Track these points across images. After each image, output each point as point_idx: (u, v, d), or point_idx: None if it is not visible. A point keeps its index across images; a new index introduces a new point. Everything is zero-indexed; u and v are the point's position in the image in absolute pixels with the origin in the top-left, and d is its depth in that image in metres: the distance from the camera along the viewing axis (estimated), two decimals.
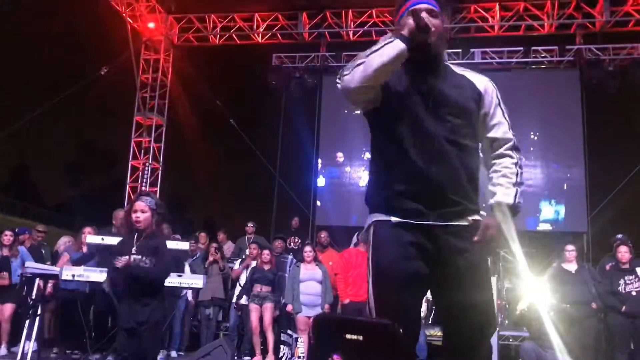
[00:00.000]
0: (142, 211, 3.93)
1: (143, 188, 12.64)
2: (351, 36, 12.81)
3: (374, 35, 12.72)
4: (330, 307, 7.45)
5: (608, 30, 11.82)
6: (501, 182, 2.21)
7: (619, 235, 7.73)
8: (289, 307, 7.35)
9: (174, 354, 7.65)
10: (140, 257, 3.86)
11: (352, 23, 12.64)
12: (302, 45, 12.96)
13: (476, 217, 2.18)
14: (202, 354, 6.16)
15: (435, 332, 7.76)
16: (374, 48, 2.10)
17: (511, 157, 2.24)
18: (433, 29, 2.13)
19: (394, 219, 2.14)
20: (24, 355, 5.98)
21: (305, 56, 13.01)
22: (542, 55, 12.21)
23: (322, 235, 8.92)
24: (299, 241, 9.70)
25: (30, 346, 6.04)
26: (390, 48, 2.07)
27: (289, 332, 7.45)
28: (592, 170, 11.65)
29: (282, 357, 7.38)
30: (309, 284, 7.37)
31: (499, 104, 2.28)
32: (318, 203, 12.53)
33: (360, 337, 2.18)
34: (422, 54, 2.17)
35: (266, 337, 7.44)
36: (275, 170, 13.12)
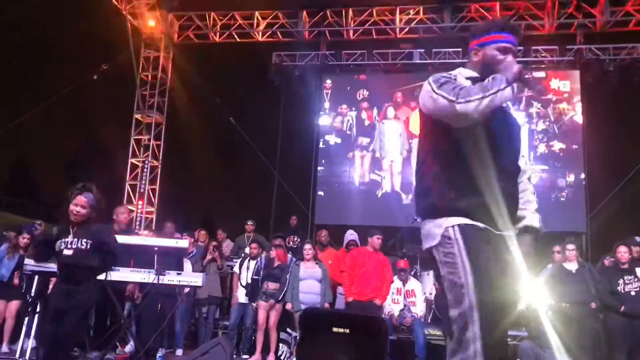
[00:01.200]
0: (82, 206, 4.15)
1: (142, 185, 12.64)
2: (351, 35, 12.80)
3: (374, 34, 12.72)
4: (330, 305, 7.46)
5: (608, 30, 11.83)
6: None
7: (638, 238, 7.71)
8: (289, 306, 7.34)
9: (179, 351, 7.66)
10: (77, 239, 4.08)
11: (352, 22, 12.63)
12: (302, 43, 12.95)
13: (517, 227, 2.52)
14: (200, 352, 6.16)
15: (435, 332, 7.78)
16: (495, 88, 2.21)
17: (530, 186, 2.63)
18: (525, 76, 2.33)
19: (478, 224, 2.31)
20: (23, 352, 5.98)
21: (305, 55, 13.01)
22: (543, 54, 12.21)
23: (322, 235, 8.91)
24: (298, 240, 9.70)
25: (30, 343, 6.04)
26: (505, 94, 2.22)
27: (289, 330, 7.45)
28: (591, 170, 11.66)
29: (281, 355, 7.37)
30: (309, 282, 7.37)
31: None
32: (320, 193, 12.52)
33: (347, 330, 2.20)
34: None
35: (269, 336, 7.44)
36: (275, 168, 13.12)
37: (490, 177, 2.34)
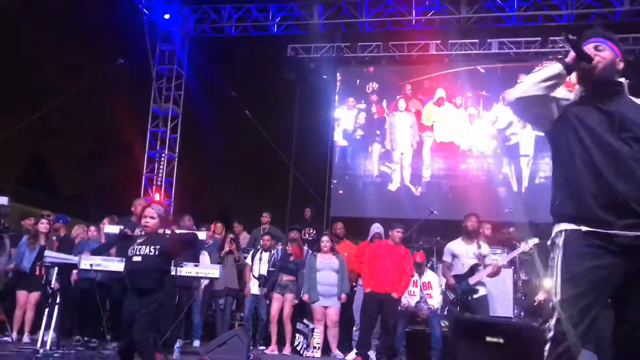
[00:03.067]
0: (152, 217, 4.49)
1: (159, 178, 12.72)
2: (367, 27, 12.74)
3: (389, 26, 12.65)
4: (347, 296, 7.47)
5: (628, 19, 11.64)
6: None
7: None
8: (306, 297, 7.37)
9: (196, 342, 7.73)
10: (146, 246, 4.37)
11: (367, 13, 12.57)
12: (318, 36, 12.91)
13: None
14: (218, 343, 6.22)
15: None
16: (535, 69, 2.48)
17: None
18: (596, 58, 2.43)
19: (584, 228, 2.32)
20: (43, 343, 6.06)
21: (320, 47, 12.97)
22: (560, 45, 12.05)
23: (338, 227, 8.93)
24: (314, 232, 9.72)
25: (50, 334, 6.12)
26: (547, 69, 2.45)
27: (305, 321, 7.48)
28: None
29: (297, 346, 7.41)
30: (326, 273, 7.39)
31: None
32: (336, 185, 12.52)
33: (501, 340, 2.24)
34: (596, 82, 2.48)
35: (284, 328, 7.48)
36: (290, 161, 13.13)
37: (596, 178, 2.34)
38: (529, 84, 2.44)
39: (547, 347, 2.33)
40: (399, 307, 7.15)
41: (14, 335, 6.98)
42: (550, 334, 2.31)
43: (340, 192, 12.57)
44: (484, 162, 12.08)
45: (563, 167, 2.49)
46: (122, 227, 6.10)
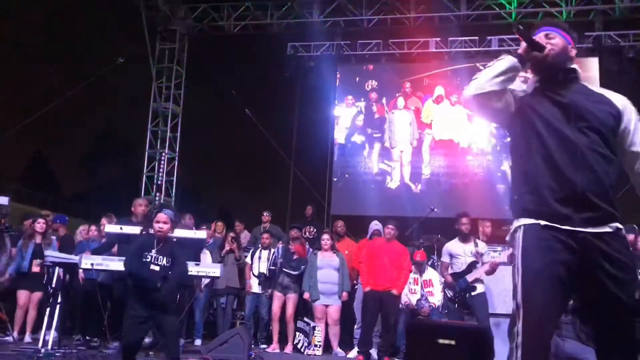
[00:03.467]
0: (165, 222, 4.64)
1: (159, 177, 12.72)
2: (366, 24, 12.72)
3: (389, 23, 12.64)
4: (348, 294, 7.47)
5: (628, 16, 11.63)
6: None
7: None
8: (307, 295, 7.38)
9: (198, 342, 7.73)
10: (162, 257, 4.60)
11: (367, 11, 12.55)
12: (317, 33, 12.90)
13: (618, 224, 2.29)
14: (219, 342, 6.22)
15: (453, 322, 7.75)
16: (489, 64, 2.41)
17: None
18: (548, 46, 2.40)
19: (542, 222, 2.27)
20: (45, 342, 6.06)
21: (320, 45, 12.97)
22: None
23: (339, 225, 8.93)
24: (314, 230, 9.72)
25: (52, 334, 6.12)
26: (500, 63, 2.40)
27: (306, 320, 7.48)
28: None
29: (297, 344, 7.42)
30: (327, 271, 7.40)
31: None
32: (336, 182, 12.52)
33: (453, 342, 2.24)
34: (549, 70, 2.44)
35: (286, 327, 7.49)
36: (291, 159, 13.13)
37: (554, 171, 2.29)
38: (484, 80, 2.39)
39: (518, 354, 2.20)
40: (400, 305, 7.16)
41: (15, 334, 6.99)
42: (519, 339, 2.22)
43: (341, 190, 12.56)
44: (484, 160, 12.08)
45: (521, 161, 2.43)
46: (121, 226, 6.11)
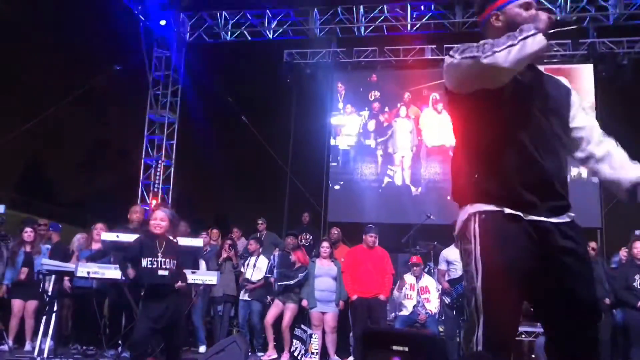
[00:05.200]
0: (162, 219, 4.57)
1: (156, 185, 12.72)
2: (362, 32, 12.77)
3: (385, 31, 12.69)
4: (344, 303, 7.47)
5: (622, 23, 11.70)
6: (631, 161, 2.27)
7: (637, 232, 7.66)
8: (304, 302, 7.38)
9: (202, 348, 7.72)
10: (165, 259, 4.49)
11: (363, 18, 12.61)
12: (314, 41, 12.94)
13: (572, 214, 2.17)
14: (216, 350, 6.20)
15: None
16: (524, 34, 2.01)
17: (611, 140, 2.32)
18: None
19: (506, 210, 2.04)
20: (41, 351, 6.05)
21: (316, 52, 13.01)
22: (555, 49, 12.10)
23: (334, 232, 8.94)
24: (310, 237, 9.73)
25: (47, 342, 6.11)
26: (538, 40, 2.03)
27: (303, 327, 7.47)
28: None
29: (294, 351, 7.40)
30: (324, 279, 7.40)
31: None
32: (335, 189, 12.55)
33: (406, 348, 2.18)
34: None
35: (283, 336, 7.47)
36: (287, 166, 13.13)
37: (524, 154, 2.07)
38: (527, 52, 1.99)
39: None
40: (395, 314, 7.20)
41: (10, 343, 6.96)
42: (479, 349, 1.97)
43: (338, 197, 12.57)
44: None
45: (483, 138, 2.14)
46: (117, 235, 6.11)
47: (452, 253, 6.85)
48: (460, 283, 6.58)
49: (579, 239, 2.13)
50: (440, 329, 7.21)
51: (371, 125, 12.70)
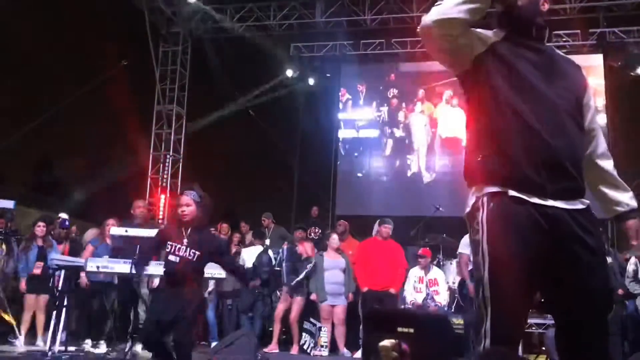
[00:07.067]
0: (187, 205, 4.13)
1: (164, 179, 12.75)
2: (369, 24, 12.71)
3: (391, 23, 12.62)
4: (353, 295, 7.48)
5: (632, 12, 11.57)
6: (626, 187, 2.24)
7: None
8: (314, 296, 7.38)
9: (215, 343, 7.74)
10: (187, 248, 4.08)
11: (369, 11, 12.54)
12: (320, 34, 12.90)
13: (586, 201, 2.09)
14: (226, 344, 6.23)
15: (459, 321, 7.72)
16: None
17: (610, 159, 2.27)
18: None
19: (511, 192, 1.97)
20: (52, 345, 6.08)
21: (323, 45, 12.96)
22: (564, 39, 11.99)
23: (340, 225, 8.93)
24: (319, 231, 9.72)
25: (58, 337, 6.14)
26: None
27: (312, 320, 7.48)
28: (616, 156, 11.38)
29: (303, 344, 7.42)
30: (333, 272, 7.40)
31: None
32: (342, 184, 12.56)
33: (412, 330, 2.12)
34: (519, 22, 2.15)
35: (290, 328, 7.49)
36: (295, 160, 13.13)
37: (530, 133, 1.99)
38: (450, 4, 2.00)
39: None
40: (407, 304, 7.16)
41: (22, 337, 7.01)
42: (487, 342, 1.92)
43: (346, 190, 12.57)
44: None
45: (487, 117, 2.08)
46: (126, 229, 6.12)
47: None
48: None
49: (592, 228, 2.04)
50: (457, 321, 7.13)
51: (384, 119, 12.74)
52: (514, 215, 1.96)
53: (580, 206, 2.04)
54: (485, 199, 2.01)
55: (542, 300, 2.15)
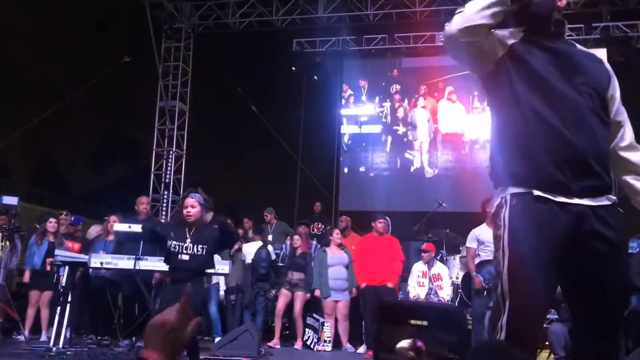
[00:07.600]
0: (192, 206, 4.32)
1: (167, 175, 12.76)
2: (371, 19, 12.68)
3: (394, 18, 12.59)
4: (357, 289, 7.49)
5: (636, 6, 11.52)
6: None
7: None
8: (317, 292, 7.40)
9: (218, 339, 7.76)
10: (193, 245, 4.28)
11: (372, 6, 12.50)
12: (323, 29, 12.88)
13: (613, 196, 2.07)
14: (229, 339, 6.25)
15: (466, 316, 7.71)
16: None
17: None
18: None
19: (535, 192, 1.98)
20: (56, 341, 6.10)
21: (325, 40, 12.94)
22: (568, 34, 11.91)
23: (342, 220, 8.94)
24: (322, 226, 9.73)
25: (62, 333, 6.16)
26: None
27: (315, 316, 7.49)
28: None
29: (307, 340, 7.43)
30: (337, 268, 7.42)
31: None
32: (345, 179, 12.58)
33: (425, 323, 2.12)
34: (536, 20, 2.14)
35: (294, 324, 7.51)
36: (298, 155, 13.13)
37: (551, 132, 1.99)
38: (473, 10, 2.02)
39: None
40: (410, 299, 7.16)
41: (27, 333, 7.04)
42: (502, 335, 1.94)
43: (349, 186, 12.57)
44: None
45: (508, 118, 2.10)
46: (130, 225, 6.12)
47: (484, 231, 6.36)
48: (487, 267, 6.25)
49: (616, 225, 2.03)
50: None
51: (387, 115, 12.73)
52: (537, 213, 1.97)
53: (606, 202, 2.04)
54: (508, 197, 2.04)
55: (562, 295, 2.16)
